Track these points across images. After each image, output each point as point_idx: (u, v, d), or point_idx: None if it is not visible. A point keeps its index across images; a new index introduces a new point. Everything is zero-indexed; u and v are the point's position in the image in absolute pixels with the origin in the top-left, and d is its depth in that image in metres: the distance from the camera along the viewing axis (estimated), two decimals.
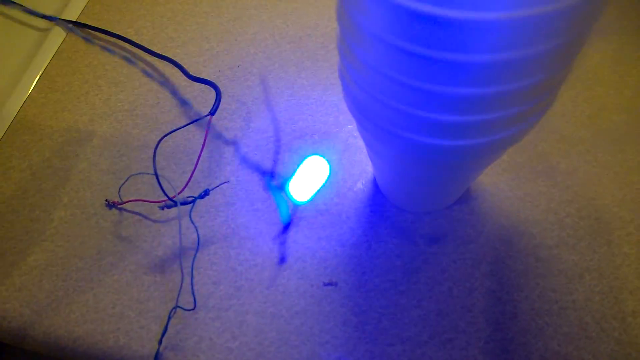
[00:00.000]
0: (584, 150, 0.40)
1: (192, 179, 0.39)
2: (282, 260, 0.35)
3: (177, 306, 0.34)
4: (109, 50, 0.49)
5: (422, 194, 0.36)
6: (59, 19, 0.51)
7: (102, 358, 0.34)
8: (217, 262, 0.36)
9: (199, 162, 0.39)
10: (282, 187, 0.38)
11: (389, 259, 0.36)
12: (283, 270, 0.36)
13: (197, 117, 0.43)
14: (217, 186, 0.39)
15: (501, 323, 0.33)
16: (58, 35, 0.51)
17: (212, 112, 0.41)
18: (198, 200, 0.37)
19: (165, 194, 0.36)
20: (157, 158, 0.41)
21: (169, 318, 0.33)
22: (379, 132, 0.27)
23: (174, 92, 0.46)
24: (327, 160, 0.40)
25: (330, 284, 0.35)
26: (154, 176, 0.35)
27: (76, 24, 0.51)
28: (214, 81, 0.45)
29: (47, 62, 0.49)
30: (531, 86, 0.21)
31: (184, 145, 0.42)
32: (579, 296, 0.34)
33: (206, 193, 0.38)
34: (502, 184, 0.39)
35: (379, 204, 0.38)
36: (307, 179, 0.39)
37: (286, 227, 0.37)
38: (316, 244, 0.37)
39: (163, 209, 0.38)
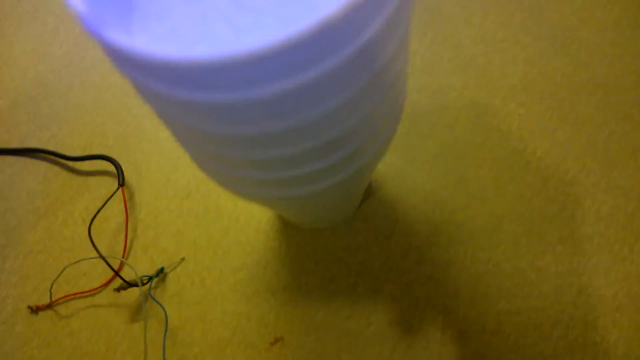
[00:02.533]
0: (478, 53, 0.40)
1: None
2: None
3: None
4: None
5: (324, 212, 0.34)
6: None
7: None
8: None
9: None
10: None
11: (324, 285, 0.35)
12: (225, 346, 0.34)
13: (109, 193, 0.40)
14: (174, 263, 0.37)
15: (448, 306, 0.33)
16: None
17: (122, 183, 0.40)
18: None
19: (119, 276, 0.35)
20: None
21: None
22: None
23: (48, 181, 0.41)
24: None
25: (277, 340, 0.34)
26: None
27: None
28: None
29: None
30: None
31: (101, 224, 0.38)
32: (506, 246, 0.35)
33: (161, 271, 0.36)
34: (396, 160, 0.38)
35: (290, 234, 0.37)
36: None
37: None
38: (246, 304, 0.35)
39: (119, 291, 0.36)
